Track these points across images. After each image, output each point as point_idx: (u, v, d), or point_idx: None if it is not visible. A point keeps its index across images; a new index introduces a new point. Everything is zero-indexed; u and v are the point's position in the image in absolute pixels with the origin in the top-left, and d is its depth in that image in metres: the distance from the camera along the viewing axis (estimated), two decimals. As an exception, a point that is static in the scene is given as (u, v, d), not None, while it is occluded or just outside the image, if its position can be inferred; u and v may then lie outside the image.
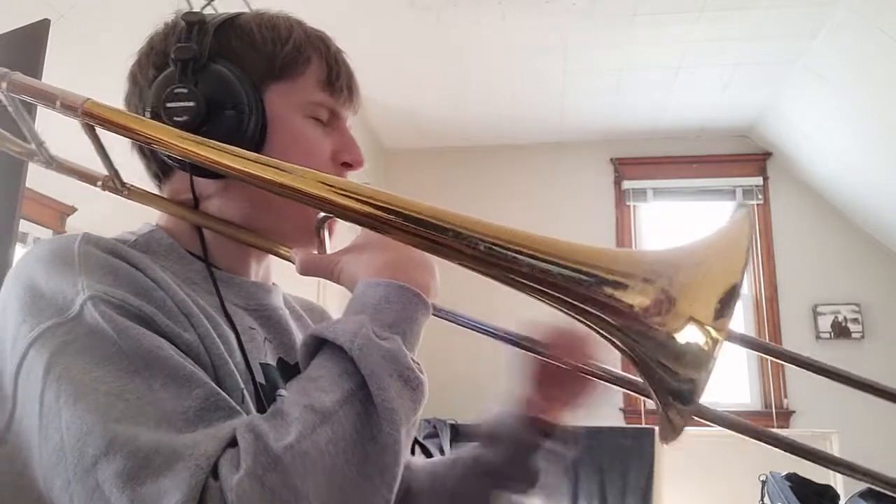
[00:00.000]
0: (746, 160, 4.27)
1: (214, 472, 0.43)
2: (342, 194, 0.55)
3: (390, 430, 0.48)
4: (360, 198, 0.54)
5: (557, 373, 0.69)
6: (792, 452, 0.58)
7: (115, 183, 0.69)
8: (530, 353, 0.68)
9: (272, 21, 0.68)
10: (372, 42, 3.31)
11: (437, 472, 0.80)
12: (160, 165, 0.68)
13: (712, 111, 4.01)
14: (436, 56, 3.49)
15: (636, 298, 0.48)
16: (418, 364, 0.52)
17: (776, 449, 0.59)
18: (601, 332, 0.51)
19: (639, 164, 4.37)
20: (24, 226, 2.10)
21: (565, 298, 0.50)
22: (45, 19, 1.88)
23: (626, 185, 4.35)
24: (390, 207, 0.53)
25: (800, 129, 3.88)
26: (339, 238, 0.66)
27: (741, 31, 3.21)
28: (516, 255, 0.50)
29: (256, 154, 0.59)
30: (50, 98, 0.63)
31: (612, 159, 4.39)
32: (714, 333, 0.45)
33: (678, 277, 0.49)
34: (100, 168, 0.70)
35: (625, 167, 4.38)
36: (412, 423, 0.51)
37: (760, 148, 4.27)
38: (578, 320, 0.52)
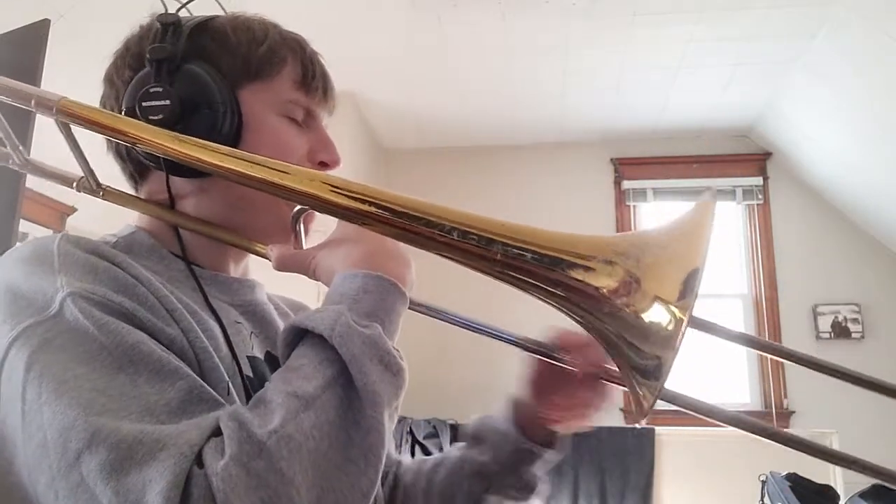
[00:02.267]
0: (746, 160, 4.27)
1: (199, 460, 0.43)
2: (316, 185, 0.56)
3: (373, 413, 0.48)
4: (333, 188, 0.55)
5: (561, 379, 0.68)
6: (774, 439, 0.58)
7: (90, 183, 0.69)
8: (541, 358, 0.67)
9: (247, 23, 0.69)
10: (372, 42, 3.32)
11: (424, 470, 0.80)
12: (136, 167, 0.69)
13: (712, 111, 4.01)
14: (436, 56, 3.49)
15: (603, 280, 0.50)
16: (398, 351, 0.53)
17: (771, 442, 0.58)
18: (570, 313, 0.53)
19: (639, 164, 4.37)
20: (24, 226, 2.10)
21: (535, 283, 0.52)
22: (45, 19, 1.89)
23: (626, 185, 4.34)
24: (364, 198, 0.54)
25: (800, 129, 3.88)
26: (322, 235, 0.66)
27: (741, 31, 3.21)
28: (489, 241, 0.52)
29: (229, 148, 0.59)
30: (25, 97, 0.63)
31: (612, 159, 4.39)
32: (679, 313, 0.47)
33: (644, 259, 0.50)
34: (77, 171, 0.70)
35: (625, 167, 4.38)
36: (394, 408, 0.51)
37: (760, 148, 4.27)
38: (548, 303, 0.53)
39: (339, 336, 0.49)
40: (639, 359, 0.49)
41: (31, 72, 1.78)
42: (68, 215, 2.82)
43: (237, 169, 0.57)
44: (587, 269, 0.51)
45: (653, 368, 0.48)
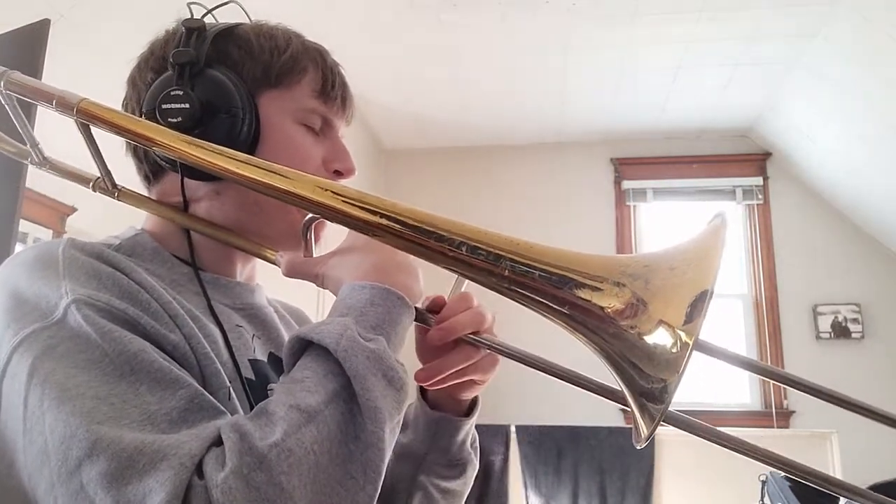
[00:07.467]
0: (746, 160, 4.27)
1: (199, 471, 0.44)
2: (329, 195, 0.56)
3: (374, 429, 0.48)
4: (346, 200, 0.56)
5: (430, 344, 0.63)
6: (778, 467, 0.56)
7: (106, 184, 0.69)
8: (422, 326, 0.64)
9: (271, 32, 0.70)
10: (372, 42, 3.32)
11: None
12: (151, 167, 0.69)
13: (712, 111, 4.01)
14: (436, 56, 3.49)
15: (610, 301, 0.50)
16: (402, 365, 0.53)
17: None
18: (576, 332, 0.53)
19: (639, 164, 4.37)
20: (24, 226, 2.09)
21: (541, 300, 0.52)
22: (45, 19, 1.88)
23: (626, 185, 4.34)
24: (377, 210, 0.55)
25: (800, 129, 3.88)
26: (332, 240, 0.66)
27: (741, 31, 3.21)
28: (497, 257, 0.52)
29: (246, 155, 0.60)
30: (47, 97, 0.64)
31: (612, 159, 4.39)
32: (685, 337, 0.47)
33: (653, 281, 0.50)
34: (92, 170, 0.70)
35: (625, 167, 4.38)
36: (396, 423, 0.51)
37: (760, 148, 4.27)
38: (553, 321, 0.53)
39: (345, 350, 0.50)
40: (643, 381, 0.49)
41: (32, 72, 1.77)
42: (68, 215, 2.82)
43: (250, 175, 0.58)
44: (595, 289, 0.51)
45: (657, 392, 0.48)
